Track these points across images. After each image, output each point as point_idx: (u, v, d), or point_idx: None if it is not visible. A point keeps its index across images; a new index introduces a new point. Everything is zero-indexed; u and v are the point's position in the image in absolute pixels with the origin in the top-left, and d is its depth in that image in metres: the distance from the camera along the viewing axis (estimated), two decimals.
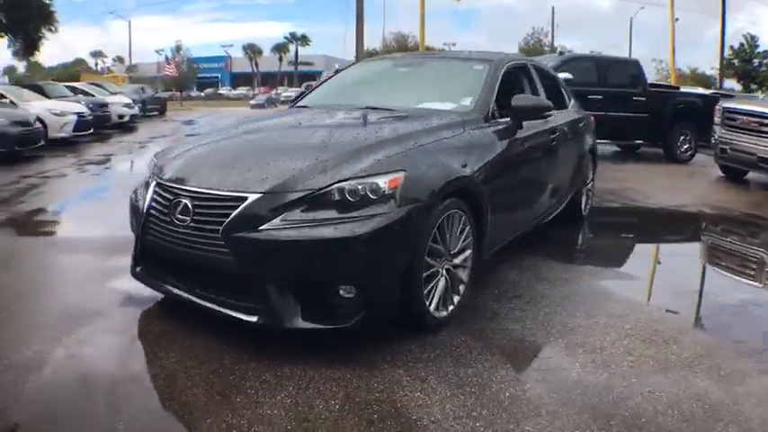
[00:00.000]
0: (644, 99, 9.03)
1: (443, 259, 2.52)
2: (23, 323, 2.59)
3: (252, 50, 60.62)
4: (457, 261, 2.61)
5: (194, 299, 2.42)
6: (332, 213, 2.17)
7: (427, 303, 2.41)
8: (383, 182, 2.22)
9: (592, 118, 5.16)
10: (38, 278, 3.25)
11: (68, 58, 62.73)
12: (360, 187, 2.20)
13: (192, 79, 48.96)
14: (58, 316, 2.64)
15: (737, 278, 3.65)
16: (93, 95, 15.13)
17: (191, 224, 2.31)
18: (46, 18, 18.81)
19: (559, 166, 4.01)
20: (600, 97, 8.58)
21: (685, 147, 9.31)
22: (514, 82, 3.83)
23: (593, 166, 4.94)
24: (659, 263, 3.99)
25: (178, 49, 49.52)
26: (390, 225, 2.17)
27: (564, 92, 4.66)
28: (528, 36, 44.06)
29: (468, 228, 2.64)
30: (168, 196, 2.43)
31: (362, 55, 17.50)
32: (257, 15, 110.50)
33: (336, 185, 2.19)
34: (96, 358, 2.27)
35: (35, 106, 9.95)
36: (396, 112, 3.08)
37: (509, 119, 3.17)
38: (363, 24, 17.84)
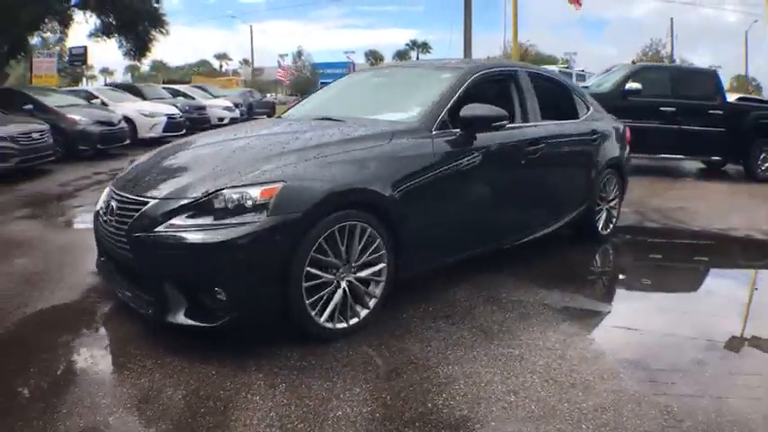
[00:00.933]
0: (721, 112, 8.20)
1: (341, 271, 2.56)
2: None
3: (374, 57, 63.69)
4: (362, 274, 2.63)
5: (117, 289, 2.73)
6: (210, 219, 2.34)
7: (313, 313, 2.47)
8: (256, 192, 2.35)
9: (620, 130, 4.79)
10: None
11: (197, 59, 69.75)
12: (235, 196, 2.35)
13: (313, 84, 52.11)
14: None
15: (712, 315, 3.19)
16: (192, 98, 16.57)
17: (113, 224, 2.61)
18: (155, 21, 20.69)
19: (547, 180, 3.81)
20: (672, 109, 7.97)
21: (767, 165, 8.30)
22: (491, 91, 3.71)
23: (617, 183, 4.58)
24: (638, 297, 3.55)
25: (299, 54, 53.28)
26: (258, 233, 2.29)
27: (578, 101, 4.40)
28: (646, 47, 42.76)
29: (378, 241, 2.64)
30: (107, 198, 2.77)
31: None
32: (384, 23, 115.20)
33: (215, 194, 2.36)
34: None
35: (126, 107, 11.27)
36: (340, 123, 3.16)
37: (458, 130, 3.10)
38: (471, 33, 18.45)
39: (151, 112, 11.81)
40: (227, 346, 2.45)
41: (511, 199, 3.52)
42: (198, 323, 2.37)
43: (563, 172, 4.03)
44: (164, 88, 16.71)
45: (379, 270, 2.69)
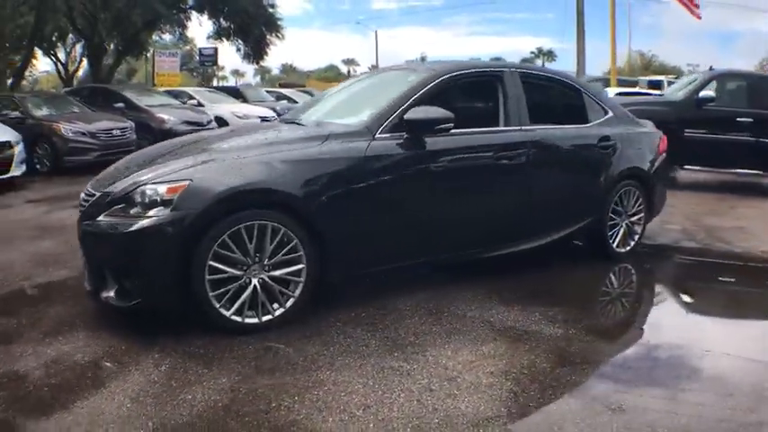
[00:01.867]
0: None
1: (252, 268, 2.67)
2: None
3: None
4: (276, 273, 2.72)
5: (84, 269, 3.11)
6: (129, 212, 2.62)
7: (219, 305, 2.62)
8: (164, 188, 2.59)
9: (649, 138, 4.34)
10: None
11: (328, 63, 74.15)
12: (149, 192, 2.60)
13: None
14: None
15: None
16: (296, 102, 17.75)
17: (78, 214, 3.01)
18: (270, 25, 22.22)
19: (531, 188, 3.57)
20: (749, 120, 6.94)
21: None
22: (468, 93, 3.57)
23: (641, 195, 4.14)
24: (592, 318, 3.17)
25: (422, 60, 54.74)
26: (159, 226, 2.52)
27: (590, 105, 4.04)
28: (764, 61, 40.42)
29: (295, 242, 2.72)
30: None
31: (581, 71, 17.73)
32: (516, 30, 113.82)
33: (134, 190, 2.64)
34: None
35: (221, 108, 12.42)
36: (298, 126, 3.34)
37: (404, 133, 3.05)
38: (584, 41, 18.22)
39: (245, 113, 12.84)
40: (164, 329, 2.69)
41: (476, 208, 3.36)
42: (117, 303, 2.66)
43: (556, 181, 3.74)
44: (268, 92, 18.04)
45: (298, 270, 2.76)
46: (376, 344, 2.62)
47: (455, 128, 3.38)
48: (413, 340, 2.66)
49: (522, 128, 3.53)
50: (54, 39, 20.69)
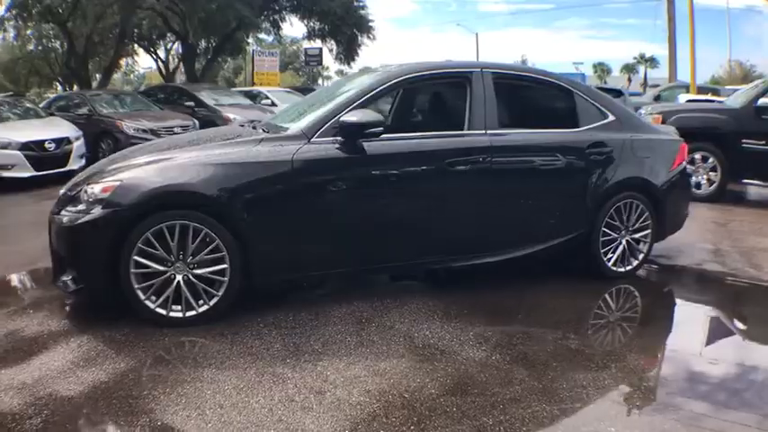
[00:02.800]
0: None
1: (176, 265, 2.84)
2: None
3: (601, 69, 61.16)
4: (199, 271, 2.86)
5: None
6: (76, 209, 2.89)
7: (143, 297, 2.82)
8: (99, 188, 2.84)
9: (663, 147, 3.95)
10: None
11: None
12: (89, 191, 2.87)
13: None
14: None
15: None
16: None
17: None
18: (362, 26, 22.72)
19: (497, 197, 3.39)
20: None
21: None
22: (430, 96, 3.45)
23: (648, 209, 3.77)
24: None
25: (523, 62, 54.35)
26: (91, 222, 2.77)
27: (585, 108, 3.73)
28: None
29: (217, 242, 2.85)
30: None
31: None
32: (627, 35, 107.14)
33: (82, 189, 2.91)
34: None
35: None
36: (249, 131, 3.46)
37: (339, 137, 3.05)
38: (675, 47, 18.17)
39: None
40: (108, 315, 2.96)
41: (425, 216, 3.27)
42: (64, 289, 2.95)
43: (529, 190, 3.52)
44: None
45: (221, 270, 2.88)
46: (278, 349, 2.66)
47: (414, 132, 3.31)
48: (317, 348, 2.67)
49: (488, 132, 3.36)
50: (154, 37, 22.65)
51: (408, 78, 3.37)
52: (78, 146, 7.52)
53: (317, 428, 2.04)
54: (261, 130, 3.31)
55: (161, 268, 2.82)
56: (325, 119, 3.10)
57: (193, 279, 2.86)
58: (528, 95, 3.73)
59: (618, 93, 11.51)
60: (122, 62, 27.56)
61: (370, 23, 22.77)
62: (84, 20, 17.27)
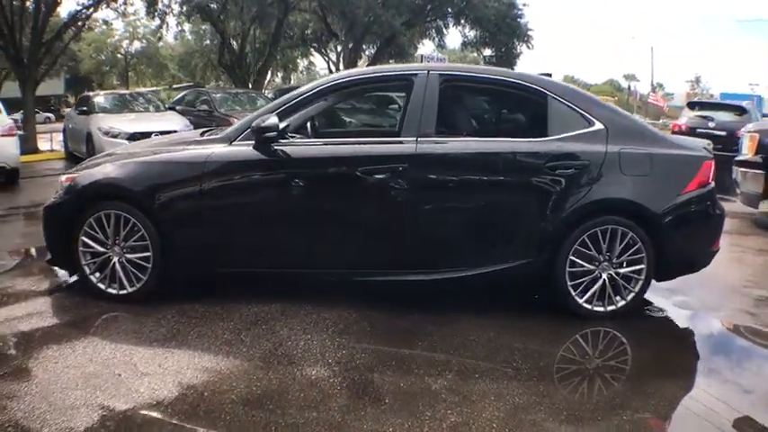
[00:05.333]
0: None
1: (114, 249, 3.31)
2: None
3: None
4: (130, 256, 3.30)
5: None
6: (56, 194, 3.54)
7: (89, 272, 3.34)
8: (64, 178, 3.47)
9: (672, 164, 3.34)
10: None
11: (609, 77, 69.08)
12: (60, 179, 3.53)
13: None
14: None
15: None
16: None
17: None
18: (519, 35, 22.58)
19: (410, 210, 3.20)
20: None
21: None
22: (371, 100, 3.39)
23: (641, 240, 3.21)
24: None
25: (697, 80, 48.58)
26: (53, 206, 3.41)
27: (558, 115, 3.33)
28: None
29: (142, 232, 3.26)
30: None
31: None
32: None
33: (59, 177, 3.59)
34: None
35: None
36: (208, 132, 3.87)
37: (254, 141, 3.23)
38: None
39: None
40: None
41: (336, 224, 3.28)
42: (45, 258, 3.64)
43: (462, 205, 3.27)
44: None
45: (146, 257, 3.28)
46: (159, 333, 2.94)
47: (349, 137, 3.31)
48: (188, 339, 2.88)
49: (419, 140, 3.20)
50: (323, 39, 24.77)
51: (340, 83, 3.40)
52: None
53: (100, 403, 2.27)
54: (212, 135, 3.63)
55: (101, 249, 3.32)
56: (247, 123, 3.31)
57: (125, 263, 3.33)
58: (487, 100, 3.44)
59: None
60: (299, 63, 30.91)
61: (529, 32, 22.58)
62: (236, 18, 19.03)
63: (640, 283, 3.27)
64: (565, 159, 3.22)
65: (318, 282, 3.43)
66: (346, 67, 22.66)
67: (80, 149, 9.93)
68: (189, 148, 3.35)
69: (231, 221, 3.27)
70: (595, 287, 3.25)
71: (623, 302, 3.28)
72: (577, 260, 3.23)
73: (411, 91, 3.31)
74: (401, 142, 3.23)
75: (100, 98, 10.85)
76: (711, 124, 11.19)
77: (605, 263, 3.25)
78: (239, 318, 3.14)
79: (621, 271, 3.25)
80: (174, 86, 34.41)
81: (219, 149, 3.28)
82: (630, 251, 3.23)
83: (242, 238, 3.30)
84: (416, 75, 3.33)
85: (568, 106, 3.33)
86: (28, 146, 12.51)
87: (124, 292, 3.33)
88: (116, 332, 2.98)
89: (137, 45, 40.38)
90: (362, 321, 3.12)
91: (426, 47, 27.16)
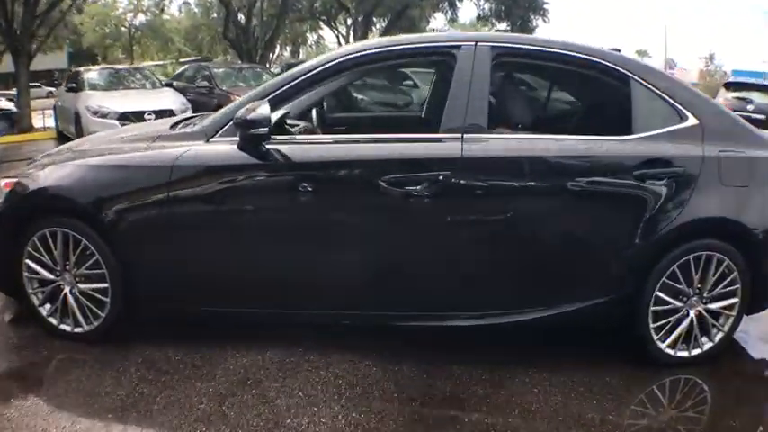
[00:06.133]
0: None
1: (64, 277, 2.53)
2: None
3: None
4: (83, 287, 2.52)
5: None
6: None
7: (36, 301, 2.57)
8: (2, 183, 2.65)
9: None
10: None
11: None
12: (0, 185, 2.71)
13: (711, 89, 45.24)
14: None
15: None
16: None
17: None
18: (536, 9, 21.73)
19: (451, 234, 2.36)
20: None
21: None
22: (396, 82, 2.54)
23: (735, 270, 2.42)
24: None
25: (711, 58, 47.38)
26: None
27: (641, 104, 2.47)
28: None
29: (97, 257, 2.45)
30: None
31: None
32: None
33: None
34: None
35: None
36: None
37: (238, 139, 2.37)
38: None
39: None
40: None
41: (354, 252, 2.41)
42: None
43: (524, 226, 2.41)
44: None
45: (104, 289, 2.49)
46: (103, 401, 2.14)
47: (370, 129, 2.46)
48: (143, 410, 2.09)
49: (466, 137, 2.34)
50: (333, 12, 23.48)
51: (363, 57, 2.51)
52: None
53: None
54: (191, 125, 2.77)
55: (50, 276, 2.54)
56: (230, 113, 2.42)
57: (78, 294, 2.53)
58: (552, 84, 2.58)
59: None
60: (308, 37, 29.54)
61: (545, 5, 21.85)
62: None
63: (731, 320, 2.49)
64: (656, 166, 2.38)
65: (328, 326, 2.62)
66: (357, 41, 21.50)
67: (69, 130, 9.08)
68: (153, 147, 2.50)
69: (209, 246, 2.43)
70: (681, 328, 2.46)
71: (710, 344, 2.50)
72: (664, 296, 2.43)
73: (453, 69, 2.42)
74: (441, 140, 2.37)
75: (91, 74, 9.91)
76: (750, 107, 10.11)
77: (694, 297, 2.45)
78: (223, 374, 2.35)
79: (712, 306, 2.46)
80: (182, 60, 33.38)
81: (192, 149, 2.40)
82: (725, 282, 2.44)
83: (223, 268, 2.44)
84: (460, 47, 2.44)
85: (657, 94, 2.46)
86: (21, 124, 11.72)
87: (80, 330, 2.56)
88: (63, 390, 2.23)
89: (141, 18, 39.09)
90: (387, 381, 2.33)
91: (438, 20, 25.96)
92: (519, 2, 20.57)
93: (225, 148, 2.39)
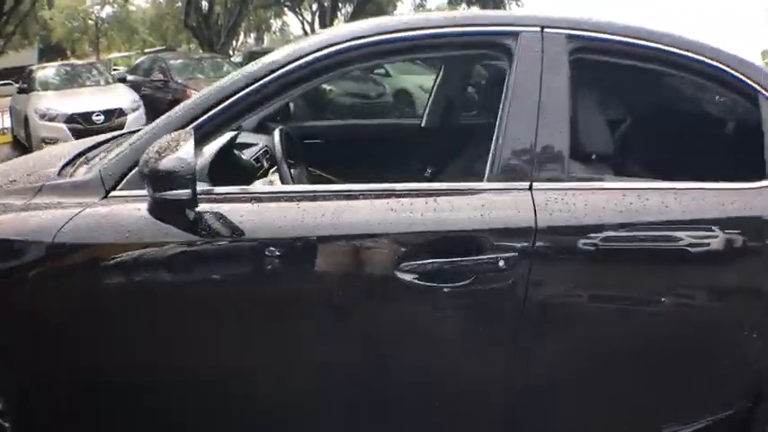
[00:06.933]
0: None
1: None
2: None
3: None
4: None
5: None
6: None
7: None
8: None
9: None
10: None
11: None
12: None
13: None
14: None
15: None
16: None
17: None
18: None
19: (526, 343, 1.38)
20: None
21: None
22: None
23: None
24: None
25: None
26: None
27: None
28: None
29: None
30: None
31: None
32: None
33: None
34: None
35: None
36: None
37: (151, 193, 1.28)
38: None
39: None
40: None
41: (355, 374, 1.40)
42: None
43: (632, 326, 1.44)
44: None
45: None
46: None
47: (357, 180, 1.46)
48: None
49: (535, 186, 1.36)
50: None
51: (348, 47, 1.40)
52: (135, 117, 6.97)
53: None
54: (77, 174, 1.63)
55: None
56: (139, 149, 1.35)
57: None
58: (652, 99, 1.64)
59: None
60: (272, 23, 28.03)
61: None
62: None
63: None
64: None
65: None
66: (323, 28, 20.31)
67: (21, 134, 8.44)
68: (30, 206, 1.39)
69: (112, 363, 1.36)
70: None
71: None
72: None
73: (511, 69, 1.42)
74: (506, 191, 1.36)
75: (42, 72, 9.20)
76: None
77: None
78: None
79: None
80: (146, 51, 31.89)
81: (81, 214, 1.33)
82: None
83: (135, 400, 1.39)
84: (519, 33, 1.44)
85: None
86: None
87: None
88: None
89: (108, 10, 37.18)
90: None
91: (405, 4, 24.85)
92: None
93: (129, 211, 1.34)
